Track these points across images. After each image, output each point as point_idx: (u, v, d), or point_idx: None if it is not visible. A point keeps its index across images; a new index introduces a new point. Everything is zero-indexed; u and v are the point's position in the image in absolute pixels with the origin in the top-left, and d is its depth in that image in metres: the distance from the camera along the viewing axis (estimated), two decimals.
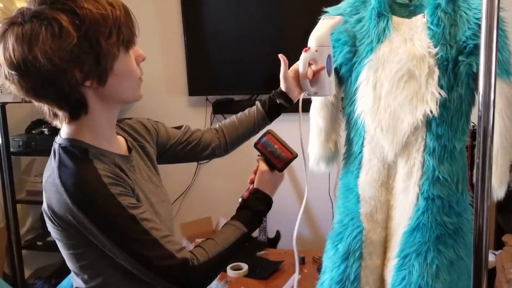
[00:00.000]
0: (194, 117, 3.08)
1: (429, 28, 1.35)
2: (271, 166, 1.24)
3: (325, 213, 2.91)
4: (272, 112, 1.37)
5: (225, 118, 2.97)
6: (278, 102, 1.35)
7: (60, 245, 1.02)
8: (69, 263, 1.04)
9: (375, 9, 1.40)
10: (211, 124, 3.05)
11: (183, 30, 2.92)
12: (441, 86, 1.32)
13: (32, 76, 0.90)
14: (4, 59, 0.90)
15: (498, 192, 1.36)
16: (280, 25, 2.87)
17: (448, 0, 1.34)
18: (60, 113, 0.98)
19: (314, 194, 2.98)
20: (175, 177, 3.12)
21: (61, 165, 0.96)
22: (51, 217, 0.97)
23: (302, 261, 2.57)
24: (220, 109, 3.00)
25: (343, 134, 1.58)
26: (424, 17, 1.38)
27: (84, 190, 0.93)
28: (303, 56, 1.30)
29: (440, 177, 1.35)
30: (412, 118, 1.34)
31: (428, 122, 1.34)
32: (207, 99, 3.04)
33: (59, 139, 1.01)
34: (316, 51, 1.30)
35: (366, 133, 1.43)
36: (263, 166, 1.24)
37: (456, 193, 1.37)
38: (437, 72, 1.32)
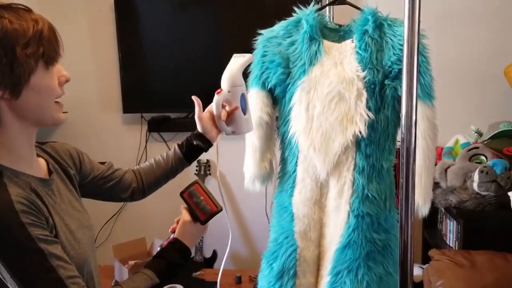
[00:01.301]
0: (129, 135, 3.02)
1: (357, 52, 1.41)
2: (194, 218, 1.20)
3: (262, 232, 2.92)
4: (189, 154, 1.35)
5: (161, 136, 2.97)
6: (194, 144, 1.33)
7: None
8: None
9: (307, 33, 1.45)
10: (146, 142, 3.00)
11: (117, 46, 2.87)
12: (369, 108, 1.38)
13: None
14: None
15: (422, 209, 1.43)
16: (217, 43, 2.89)
17: (375, 27, 1.42)
18: None
19: (251, 212, 3.01)
20: None
21: None
22: None
23: (239, 280, 2.56)
24: (156, 127, 2.95)
25: (278, 153, 1.60)
26: (353, 42, 1.44)
27: None
28: (216, 98, 1.31)
29: (369, 195, 1.40)
30: (343, 138, 1.39)
31: (358, 142, 1.40)
32: (142, 116, 2.99)
33: None
34: (229, 92, 1.31)
35: (300, 152, 1.46)
36: (186, 216, 1.20)
37: (384, 210, 1.43)
38: (365, 94, 1.38)
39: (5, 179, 0.92)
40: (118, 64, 2.89)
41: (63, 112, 1.03)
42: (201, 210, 1.20)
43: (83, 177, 1.20)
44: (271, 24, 1.57)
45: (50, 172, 1.06)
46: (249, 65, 1.44)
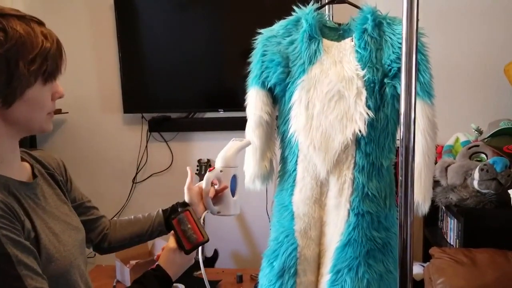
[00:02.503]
0: (130, 135, 3.02)
1: (357, 51, 1.42)
2: (180, 246, 1.16)
3: (263, 231, 2.93)
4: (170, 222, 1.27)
5: (162, 136, 2.97)
6: (179, 210, 1.26)
7: None
8: None
9: (306, 32, 1.45)
10: (147, 142, 3.00)
11: (118, 46, 2.87)
12: (368, 107, 1.39)
13: None
14: None
15: (422, 207, 1.43)
16: (217, 43, 2.89)
17: (374, 25, 1.42)
18: None
19: (251, 211, 3.01)
20: (110, 197, 3.04)
21: None
22: None
23: (240, 279, 2.57)
24: (157, 126, 2.96)
25: (278, 152, 1.61)
26: (352, 41, 1.44)
27: None
28: (207, 175, 1.32)
29: (369, 193, 1.41)
30: (342, 137, 1.39)
31: (357, 140, 1.40)
32: (143, 116, 2.99)
33: None
34: (221, 171, 1.33)
35: (300, 151, 1.47)
36: (171, 243, 1.16)
37: (384, 208, 1.43)
38: (364, 93, 1.38)
39: None
40: (118, 64, 2.89)
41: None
42: (187, 238, 1.15)
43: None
44: (270, 24, 1.57)
45: (34, 177, 1.06)
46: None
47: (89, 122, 3.02)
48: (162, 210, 1.33)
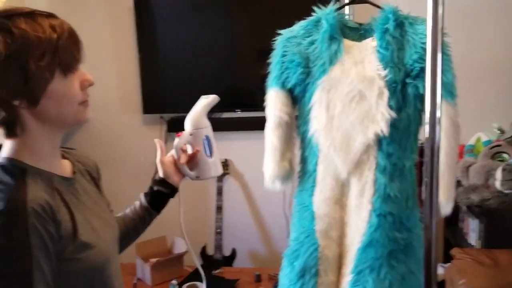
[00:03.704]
0: (149, 135, 3.05)
1: (378, 51, 1.41)
2: None
3: (280, 231, 2.93)
4: (154, 201, 1.26)
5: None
6: (155, 189, 1.26)
7: None
8: None
9: (327, 32, 1.45)
10: (165, 142, 3.02)
11: (137, 48, 2.90)
12: (390, 107, 1.38)
13: None
14: None
15: (446, 208, 1.42)
16: (235, 43, 2.90)
17: (396, 25, 1.41)
18: None
19: (269, 211, 3.02)
20: (129, 196, 3.06)
21: None
22: None
23: (258, 278, 2.58)
24: (175, 127, 2.98)
25: (298, 152, 1.61)
26: (373, 41, 1.44)
27: (2, 213, 0.89)
28: (176, 142, 1.26)
29: (391, 194, 1.40)
30: (364, 137, 1.39)
31: (379, 141, 1.40)
32: (161, 117, 3.02)
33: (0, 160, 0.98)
34: (191, 134, 1.26)
35: (320, 151, 1.46)
36: None
37: (406, 209, 1.42)
38: (386, 93, 1.38)
39: (28, 179, 0.94)
40: (138, 66, 2.92)
41: None
42: None
43: None
44: (288, 24, 1.57)
45: (74, 173, 1.08)
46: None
47: (109, 122, 3.06)
48: (144, 194, 1.29)
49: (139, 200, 1.28)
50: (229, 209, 2.98)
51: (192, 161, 1.27)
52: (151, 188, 1.27)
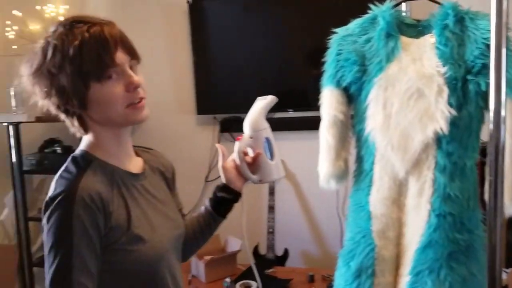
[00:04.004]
0: (202, 136, 3.11)
1: (437, 48, 1.38)
2: None
3: (334, 231, 2.91)
4: (218, 207, 1.26)
5: (233, 137, 3.04)
6: (219, 196, 1.26)
7: None
8: None
9: (383, 30, 1.43)
10: (218, 142, 3.07)
11: (191, 50, 2.97)
12: (450, 105, 1.35)
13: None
14: None
15: (509, 209, 1.36)
16: (287, 44, 2.91)
17: (456, 21, 1.38)
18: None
19: (322, 211, 3.00)
20: (183, 195, 3.13)
21: (64, 169, 1.03)
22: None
23: (311, 279, 2.57)
24: (228, 127, 3.03)
25: (353, 151, 1.59)
26: (432, 37, 1.41)
27: (55, 194, 0.97)
28: (236, 145, 1.24)
29: (451, 194, 1.36)
30: (423, 136, 1.36)
31: (438, 140, 1.36)
32: (214, 117, 3.07)
33: (77, 150, 1.08)
34: (251, 137, 1.24)
35: (377, 151, 1.45)
36: None
37: (467, 210, 1.38)
38: (446, 90, 1.34)
39: (89, 170, 1.02)
40: (192, 68, 2.99)
41: None
42: None
43: None
44: (340, 23, 1.56)
45: (144, 170, 1.14)
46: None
47: (165, 123, 3.14)
48: (209, 200, 1.29)
49: (205, 205, 1.29)
50: (281, 209, 2.99)
51: (254, 164, 1.25)
52: (214, 194, 1.27)
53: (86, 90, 0.97)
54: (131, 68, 1.02)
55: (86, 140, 1.08)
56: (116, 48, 0.98)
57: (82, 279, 0.95)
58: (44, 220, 0.98)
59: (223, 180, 1.26)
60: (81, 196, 0.96)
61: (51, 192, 0.99)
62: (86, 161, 1.03)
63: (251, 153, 1.25)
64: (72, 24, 0.98)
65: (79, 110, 1.01)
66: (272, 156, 1.27)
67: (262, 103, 1.27)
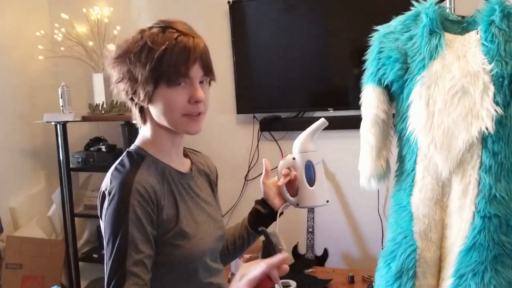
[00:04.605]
0: (242, 134, 3.13)
1: (483, 44, 1.34)
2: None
3: (374, 232, 2.87)
4: (254, 219, 1.26)
5: (272, 135, 3.04)
6: (254, 207, 1.26)
7: None
8: None
9: (426, 27, 1.41)
10: (258, 141, 3.09)
11: (232, 51, 2.99)
12: (496, 103, 1.31)
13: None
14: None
15: None
16: (327, 43, 2.89)
17: (503, 16, 1.34)
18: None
19: (363, 212, 2.96)
20: (224, 193, 3.16)
21: (119, 163, 1.09)
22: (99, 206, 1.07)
23: (351, 280, 2.54)
24: (267, 126, 3.04)
25: (394, 151, 1.57)
26: (477, 34, 1.37)
27: (113, 188, 1.02)
28: (279, 164, 1.21)
29: (497, 195, 1.32)
30: (467, 135, 1.33)
31: (484, 139, 1.33)
32: (254, 116, 3.08)
33: (132, 145, 1.14)
34: (293, 158, 1.20)
35: (419, 150, 1.42)
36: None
37: None
38: (492, 88, 1.31)
39: (144, 164, 1.07)
40: (232, 68, 3.01)
41: None
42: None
43: None
44: (382, 21, 1.54)
45: (191, 171, 1.18)
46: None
47: (206, 122, 3.18)
48: (249, 213, 1.29)
49: (242, 221, 1.30)
50: (321, 209, 2.97)
51: (293, 186, 1.22)
52: (253, 208, 1.28)
53: (153, 89, 1.04)
54: (201, 82, 1.08)
55: (141, 136, 1.14)
56: (194, 62, 1.04)
57: (135, 269, 0.99)
58: (101, 212, 1.04)
59: (263, 194, 1.26)
60: (136, 188, 1.01)
61: (106, 185, 1.05)
62: (140, 157, 1.09)
63: (292, 175, 1.22)
64: (165, 28, 1.06)
65: (142, 103, 1.07)
66: (313, 181, 1.20)
67: (313, 125, 1.22)
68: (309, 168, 1.20)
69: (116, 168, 1.07)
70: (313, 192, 1.20)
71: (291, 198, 1.22)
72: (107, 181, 1.06)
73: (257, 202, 1.28)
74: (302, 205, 1.22)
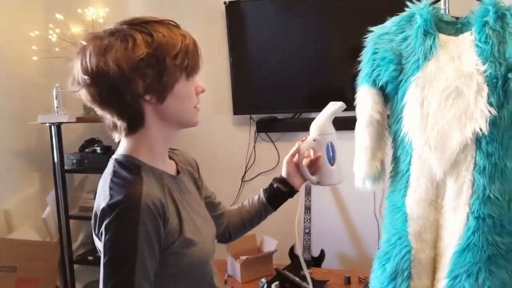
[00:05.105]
0: (239, 135, 3.13)
1: (477, 45, 1.34)
2: None
3: (371, 233, 2.87)
4: (272, 198, 1.33)
5: (269, 136, 3.04)
6: (275, 187, 1.32)
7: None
8: None
9: (421, 27, 1.41)
10: (255, 142, 3.08)
11: (228, 51, 2.99)
12: (490, 104, 1.31)
13: (101, 81, 0.99)
14: (80, 66, 1.01)
15: None
16: (323, 44, 2.89)
17: (496, 18, 1.34)
18: (119, 123, 1.04)
19: (359, 213, 2.96)
20: (220, 194, 3.15)
21: (114, 175, 1.02)
22: (95, 222, 0.99)
23: (348, 280, 2.54)
24: (264, 127, 3.04)
25: (389, 152, 1.57)
26: (471, 35, 1.37)
27: (114, 201, 0.95)
28: (300, 146, 1.30)
29: (491, 196, 1.32)
30: (461, 136, 1.33)
31: (478, 140, 1.33)
32: (251, 117, 3.08)
33: (116, 155, 1.07)
34: (314, 140, 1.29)
35: (414, 151, 1.42)
36: None
37: (508, 212, 1.34)
38: (486, 89, 1.31)
39: (143, 173, 1.02)
40: (229, 69, 3.01)
41: None
42: None
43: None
44: (377, 22, 1.54)
45: (178, 172, 1.16)
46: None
47: (202, 123, 3.16)
48: (263, 190, 1.36)
49: (259, 194, 1.35)
50: (318, 210, 2.97)
51: (314, 166, 1.31)
52: (271, 184, 1.34)
53: (175, 82, 1.02)
54: None
55: (126, 143, 1.07)
56: (201, 55, 1.08)
57: (142, 285, 0.95)
58: (103, 228, 0.95)
59: (283, 173, 1.33)
60: (146, 204, 0.96)
61: (107, 199, 0.97)
62: (134, 166, 1.03)
63: (312, 155, 1.30)
64: (170, 25, 1.06)
65: (155, 102, 1.02)
66: (333, 161, 1.31)
67: (331, 109, 1.31)
68: (329, 149, 1.30)
69: (113, 181, 1.00)
70: (333, 171, 1.31)
71: (312, 177, 1.31)
72: (106, 196, 0.97)
73: (276, 180, 1.33)
74: (323, 183, 1.32)
